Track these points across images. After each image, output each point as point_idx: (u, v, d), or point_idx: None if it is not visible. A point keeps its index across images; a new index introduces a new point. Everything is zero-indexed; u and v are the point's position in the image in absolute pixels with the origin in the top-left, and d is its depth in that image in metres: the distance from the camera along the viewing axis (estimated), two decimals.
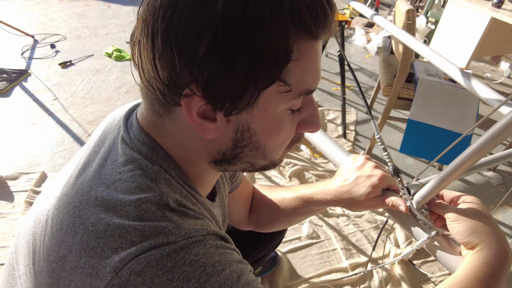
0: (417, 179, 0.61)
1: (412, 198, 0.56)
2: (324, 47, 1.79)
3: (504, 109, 0.89)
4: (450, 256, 0.52)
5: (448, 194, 0.58)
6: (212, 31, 0.33)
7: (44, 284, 0.41)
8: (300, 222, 0.73)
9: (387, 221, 0.72)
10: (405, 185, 0.58)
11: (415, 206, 0.55)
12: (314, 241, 1.52)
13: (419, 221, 0.54)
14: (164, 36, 0.34)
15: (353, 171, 0.62)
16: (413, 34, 1.56)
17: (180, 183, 0.44)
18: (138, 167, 0.42)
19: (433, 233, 0.53)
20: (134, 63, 0.39)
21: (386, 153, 0.59)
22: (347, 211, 1.68)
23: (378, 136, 0.58)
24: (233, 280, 0.40)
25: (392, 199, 0.58)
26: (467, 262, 0.49)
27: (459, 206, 0.55)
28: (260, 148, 0.43)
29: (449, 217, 0.52)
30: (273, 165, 0.48)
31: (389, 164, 0.58)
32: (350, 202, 0.61)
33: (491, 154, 0.74)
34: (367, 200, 0.59)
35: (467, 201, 0.55)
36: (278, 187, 0.73)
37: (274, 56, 0.35)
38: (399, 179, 0.57)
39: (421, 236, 0.54)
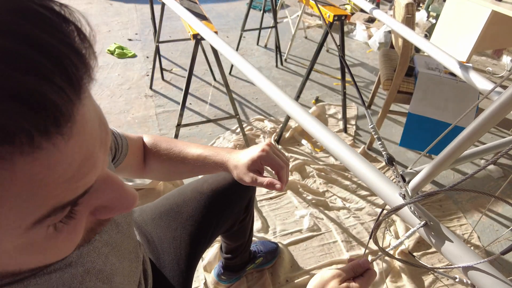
0: (411, 168, 0.62)
1: (407, 186, 0.57)
2: (324, 41, 1.80)
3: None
4: (445, 242, 0.54)
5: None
6: None
7: None
8: (194, 176, 0.81)
9: (382, 210, 0.73)
10: (400, 173, 0.59)
11: (409, 194, 0.57)
12: (315, 233, 1.54)
13: (411, 209, 0.56)
14: None
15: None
16: (413, 28, 1.56)
17: None
18: None
19: (425, 221, 0.54)
20: None
21: (380, 142, 0.60)
22: (347, 204, 1.70)
23: (371, 125, 0.59)
24: None
25: (266, 179, 0.65)
26: None
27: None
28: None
29: None
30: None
31: (384, 153, 0.59)
32: (235, 165, 0.68)
33: (485, 144, 0.76)
34: (247, 170, 0.66)
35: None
36: (178, 141, 0.76)
37: None
38: (394, 167, 0.59)
39: (415, 224, 0.56)
